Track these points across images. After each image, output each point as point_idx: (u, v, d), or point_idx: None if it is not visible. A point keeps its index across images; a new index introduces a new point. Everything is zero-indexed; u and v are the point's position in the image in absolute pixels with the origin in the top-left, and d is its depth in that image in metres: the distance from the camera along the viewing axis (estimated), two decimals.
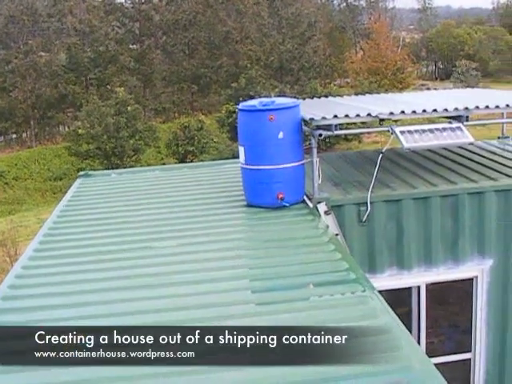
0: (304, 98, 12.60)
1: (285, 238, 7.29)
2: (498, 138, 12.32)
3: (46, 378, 4.59)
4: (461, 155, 10.73)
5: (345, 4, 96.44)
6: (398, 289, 9.00)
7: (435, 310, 9.66)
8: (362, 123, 9.40)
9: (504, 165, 10.00)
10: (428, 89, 48.65)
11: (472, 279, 9.23)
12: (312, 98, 12.75)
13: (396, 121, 9.12)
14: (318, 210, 8.16)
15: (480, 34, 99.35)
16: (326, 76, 62.70)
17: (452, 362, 9.49)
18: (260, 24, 63.47)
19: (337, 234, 7.90)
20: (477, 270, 9.14)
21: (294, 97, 10.30)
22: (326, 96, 14.26)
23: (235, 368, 4.59)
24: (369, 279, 6.29)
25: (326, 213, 8.16)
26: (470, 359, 9.60)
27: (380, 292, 8.08)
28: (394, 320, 5.22)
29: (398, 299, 9.33)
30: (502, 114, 10.76)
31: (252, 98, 9.62)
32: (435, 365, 8.48)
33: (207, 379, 4.50)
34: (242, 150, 8.42)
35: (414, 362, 4.57)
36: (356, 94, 15.02)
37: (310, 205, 8.28)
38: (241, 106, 8.50)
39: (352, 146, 43.67)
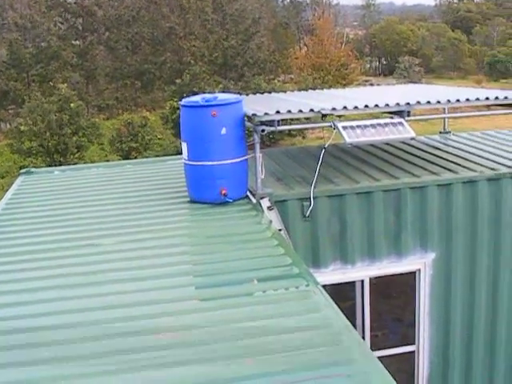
0: (247, 94, 12.62)
1: (228, 233, 7.28)
2: (440, 132, 12.48)
3: None
4: (403, 150, 10.85)
5: (289, 0, 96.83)
6: (342, 283, 9.06)
7: (380, 303, 9.77)
8: (306, 119, 9.39)
9: (446, 159, 10.14)
10: (371, 85, 49.09)
11: (415, 272, 9.33)
12: (255, 94, 12.78)
13: (340, 116, 9.19)
14: (261, 206, 8.16)
15: (423, 30, 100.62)
16: (270, 72, 62.68)
17: (397, 354, 9.59)
18: (204, 20, 63.30)
19: (280, 230, 7.92)
20: (419, 263, 9.25)
21: (238, 93, 10.28)
22: (270, 92, 14.27)
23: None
24: (312, 274, 6.30)
25: (269, 208, 8.17)
26: (414, 351, 9.71)
27: (324, 286, 8.13)
28: (336, 314, 5.25)
29: (343, 293, 9.41)
30: (444, 109, 10.92)
31: (196, 94, 9.59)
32: (380, 358, 8.56)
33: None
34: (184, 146, 8.39)
35: (356, 354, 4.59)
36: (300, 90, 15.05)
37: (254, 200, 8.29)
38: (183, 101, 8.46)
39: (296, 141, 43.84)
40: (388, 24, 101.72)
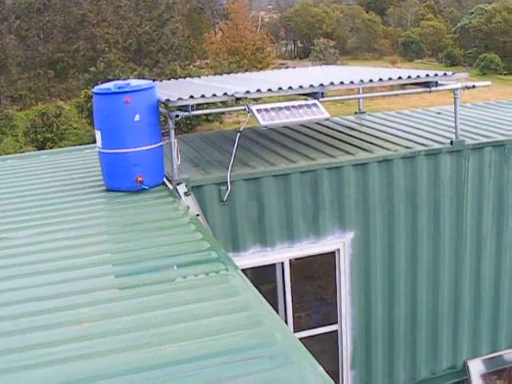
0: (162, 81, 12.51)
1: (146, 220, 7.21)
2: (355, 113, 12.60)
3: None
4: (319, 131, 10.91)
5: None
6: (263, 266, 9.08)
7: (302, 285, 9.82)
8: (222, 103, 9.36)
9: (361, 139, 10.24)
10: (287, 67, 49.19)
11: (334, 252, 9.41)
12: (170, 80, 12.68)
13: (257, 100, 9.17)
14: (177, 192, 8.11)
15: (337, 12, 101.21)
16: (185, 58, 62.27)
17: (320, 334, 9.67)
18: (117, 6, 62.38)
19: (198, 215, 7.88)
20: (338, 243, 9.33)
21: (153, 79, 10.18)
22: (184, 77, 14.19)
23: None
24: (231, 258, 6.30)
25: (186, 194, 8.13)
26: (336, 330, 9.81)
27: (245, 270, 8.15)
28: (256, 297, 5.25)
29: (264, 276, 9.44)
30: (359, 89, 11.03)
31: (110, 81, 9.43)
32: (304, 338, 8.66)
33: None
34: (98, 134, 8.26)
35: (277, 335, 4.60)
36: (215, 75, 15.00)
37: (170, 187, 8.23)
38: (95, 89, 8.32)
39: (213, 126, 43.71)
40: (303, 7, 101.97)
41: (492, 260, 10.53)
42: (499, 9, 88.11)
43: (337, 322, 9.79)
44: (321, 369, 4.16)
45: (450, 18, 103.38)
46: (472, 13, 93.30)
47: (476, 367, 10.95)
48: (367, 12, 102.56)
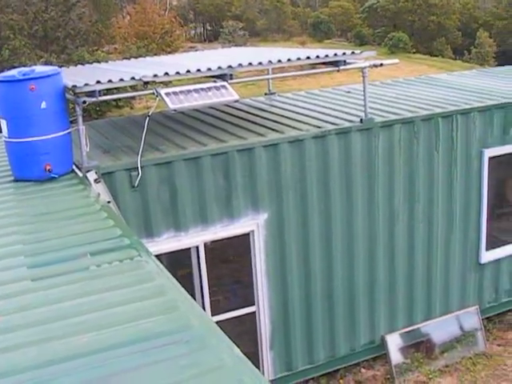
0: (70, 67, 12.30)
1: (56, 210, 7.06)
2: (265, 94, 12.61)
3: None
4: (230, 114, 10.89)
5: None
6: (178, 251, 9.03)
7: (219, 268, 9.81)
8: (131, 87, 9.23)
9: (271, 120, 10.27)
10: (197, 51, 49.00)
11: (249, 234, 9.42)
12: (77, 66, 12.48)
13: (167, 84, 9.07)
14: (87, 179, 7.98)
15: None
16: (93, 43, 61.18)
17: (239, 316, 9.70)
18: None
19: (109, 202, 7.76)
20: (252, 224, 9.35)
21: (60, 66, 9.99)
22: (92, 63, 13.99)
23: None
24: (144, 244, 6.25)
25: (96, 181, 8.00)
26: (254, 312, 9.84)
27: (160, 255, 8.11)
28: (170, 282, 5.21)
29: (181, 261, 9.39)
30: (268, 70, 11.04)
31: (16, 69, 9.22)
32: (222, 321, 8.66)
33: None
34: (4, 123, 8.04)
35: (193, 320, 4.58)
36: (124, 60, 14.85)
37: (80, 174, 8.09)
38: None
39: (124, 112, 43.19)
40: None
41: (405, 235, 10.73)
42: None
43: (254, 304, 9.82)
44: (237, 350, 4.15)
45: None
46: None
47: (394, 341, 11.15)
48: None
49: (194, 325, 4.52)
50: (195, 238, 9.02)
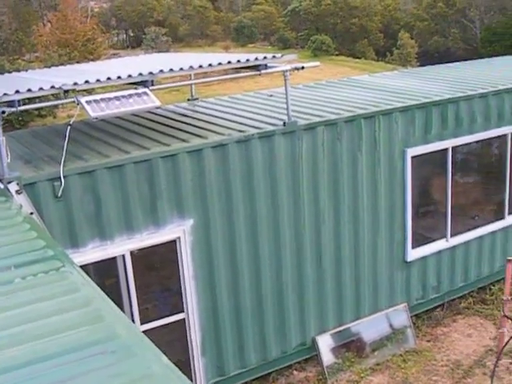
0: None
1: None
2: (188, 100, 12.59)
3: None
4: (152, 120, 10.85)
5: None
6: (105, 260, 8.94)
7: (147, 276, 9.74)
8: (53, 96, 9.10)
9: (194, 126, 10.26)
10: (120, 57, 48.68)
11: (175, 241, 9.38)
12: None
13: (91, 91, 8.97)
14: (9, 191, 7.84)
15: None
16: (13, 51, 60.44)
17: (169, 323, 9.65)
18: None
19: (32, 213, 7.66)
20: (178, 231, 9.31)
21: None
22: (12, 72, 13.76)
23: None
24: (68, 254, 6.16)
25: (18, 192, 7.87)
26: (184, 319, 9.80)
27: (87, 265, 8.01)
28: (96, 292, 5.16)
29: (108, 270, 9.30)
30: (190, 76, 11.02)
31: None
32: (152, 329, 8.59)
33: None
34: None
35: (119, 329, 4.53)
36: (45, 68, 14.61)
37: (1, 186, 7.94)
38: None
39: (47, 121, 42.56)
40: None
41: (332, 236, 10.82)
42: None
43: (183, 311, 9.78)
44: (165, 359, 4.13)
45: (280, 2, 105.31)
46: None
47: (325, 342, 11.23)
48: None
49: (121, 334, 4.48)
50: (121, 246, 8.93)
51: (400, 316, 12.03)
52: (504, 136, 12.78)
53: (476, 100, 12.11)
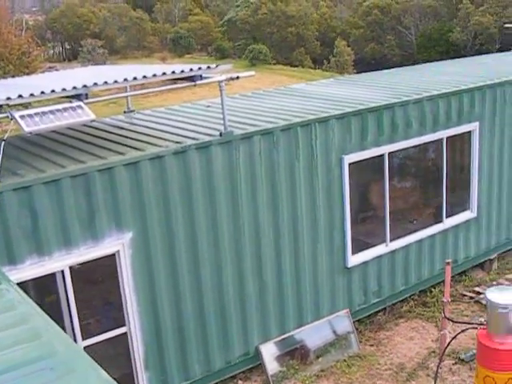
0: None
1: None
2: (124, 112, 12.53)
3: None
4: (88, 134, 10.77)
5: None
6: (44, 276, 8.82)
7: (88, 290, 9.66)
8: None
9: (131, 138, 10.21)
10: (57, 70, 48.20)
11: (114, 254, 9.31)
12: None
13: (27, 106, 8.87)
14: None
15: (104, 11, 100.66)
16: None
17: (113, 338, 9.56)
18: None
19: None
20: (117, 244, 9.24)
21: None
22: None
23: None
24: (4, 272, 6.09)
25: None
26: (126, 332, 9.73)
27: (25, 282, 7.91)
28: (33, 309, 5.11)
29: (48, 287, 9.19)
30: (126, 88, 10.97)
31: None
32: (95, 344, 8.52)
33: None
34: None
35: (57, 346, 4.49)
36: None
37: None
38: None
39: None
40: (68, 7, 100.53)
41: (272, 245, 10.86)
42: (264, 1, 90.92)
43: (125, 325, 9.71)
44: (105, 374, 4.11)
45: (217, 12, 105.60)
46: (238, 5, 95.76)
47: (268, 351, 11.25)
48: (134, 10, 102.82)
49: (59, 351, 4.44)
50: (60, 262, 8.82)
51: (343, 322, 12.11)
52: (439, 140, 12.98)
53: (411, 106, 12.29)
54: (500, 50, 44.61)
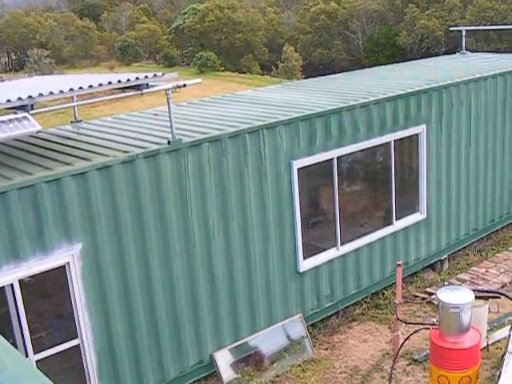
0: None
1: None
2: (72, 122, 12.43)
3: None
4: (35, 145, 10.68)
5: None
6: None
7: (39, 303, 9.54)
8: None
9: (78, 148, 10.13)
10: (3, 81, 47.70)
11: (64, 266, 9.21)
12: None
13: None
14: None
15: (51, 21, 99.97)
16: None
17: (66, 350, 9.46)
18: None
19: None
20: (67, 256, 9.14)
21: None
22: None
23: None
24: None
25: None
26: (79, 345, 9.63)
27: None
28: None
29: None
30: (72, 97, 10.88)
31: None
32: (47, 357, 8.40)
33: None
34: None
35: (6, 361, 4.42)
36: None
37: None
38: None
39: None
40: (13, 17, 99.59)
41: (223, 252, 10.84)
42: (211, 8, 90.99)
43: (77, 337, 9.61)
44: None
45: (164, 20, 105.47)
46: (185, 13, 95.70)
47: (223, 358, 11.23)
48: (81, 19, 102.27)
49: (8, 366, 4.37)
50: (8, 275, 8.69)
51: (296, 327, 12.14)
52: (387, 143, 13.09)
53: (358, 110, 12.39)
54: (446, 53, 45.26)
